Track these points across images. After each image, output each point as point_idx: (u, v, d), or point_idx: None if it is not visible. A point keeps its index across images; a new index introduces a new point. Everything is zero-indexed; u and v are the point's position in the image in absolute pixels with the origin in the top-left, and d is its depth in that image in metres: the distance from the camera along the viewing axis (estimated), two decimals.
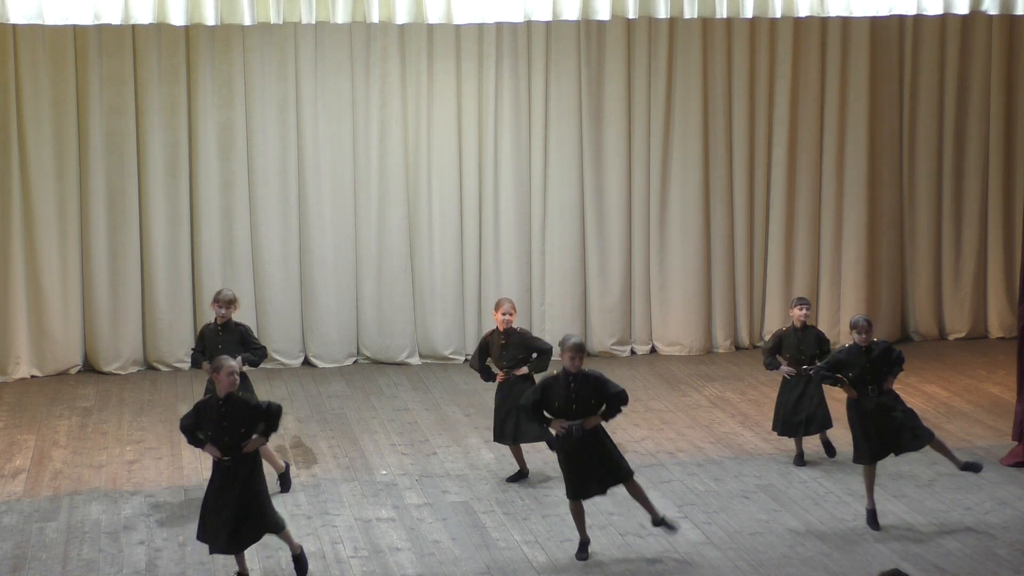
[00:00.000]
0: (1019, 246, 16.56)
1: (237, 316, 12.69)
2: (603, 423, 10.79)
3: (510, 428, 12.50)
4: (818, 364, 12.19)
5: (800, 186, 17.58)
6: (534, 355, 12.56)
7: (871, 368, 11.42)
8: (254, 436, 10.18)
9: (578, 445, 10.70)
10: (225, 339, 12.32)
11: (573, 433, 10.68)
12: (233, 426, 10.15)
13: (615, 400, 10.75)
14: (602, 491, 10.89)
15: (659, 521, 10.96)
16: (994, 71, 17.83)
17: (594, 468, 10.74)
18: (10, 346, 16.20)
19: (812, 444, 13.20)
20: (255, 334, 12.88)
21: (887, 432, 11.40)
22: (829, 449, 13.17)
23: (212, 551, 10.32)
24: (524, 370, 12.53)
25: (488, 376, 12.69)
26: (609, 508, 11.78)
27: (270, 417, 10.23)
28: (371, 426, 14.47)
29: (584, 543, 10.92)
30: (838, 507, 11.92)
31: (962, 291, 18.17)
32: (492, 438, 12.89)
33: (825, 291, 17.77)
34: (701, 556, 10.90)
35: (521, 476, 12.64)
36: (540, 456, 12.90)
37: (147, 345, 16.72)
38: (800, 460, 13.05)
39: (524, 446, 12.73)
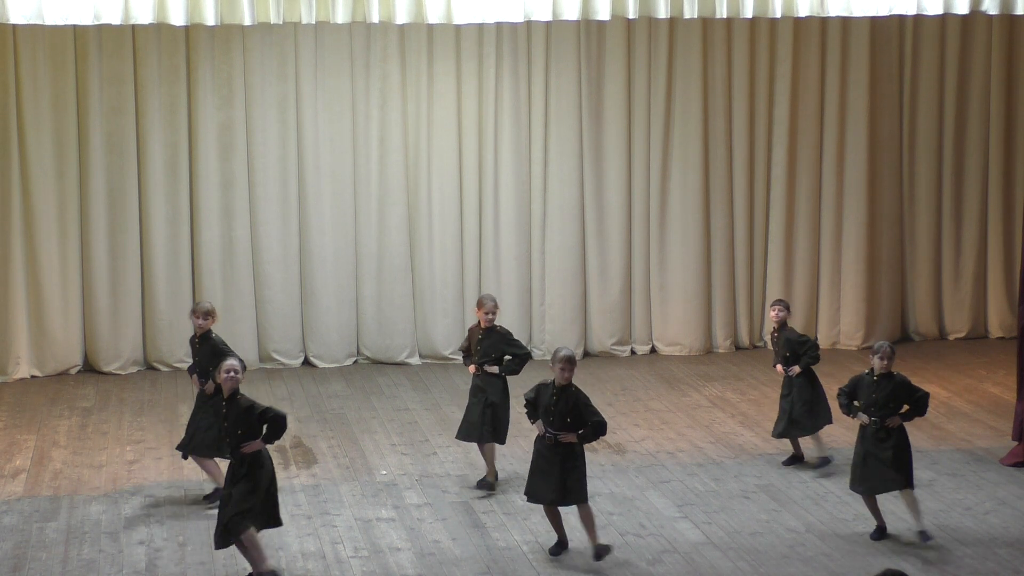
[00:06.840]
0: (1019, 246, 16.56)
1: (217, 327, 12.40)
2: (583, 443, 10.72)
3: (476, 428, 12.39)
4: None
5: (800, 186, 17.57)
6: (507, 357, 12.45)
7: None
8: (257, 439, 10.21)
9: (547, 453, 10.73)
10: (202, 351, 12.07)
11: (545, 440, 10.73)
12: (232, 427, 10.17)
13: (593, 428, 10.65)
14: (552, 504, 10.83)
15: (602, 549, 10.76)
16: (994, 71, 17.82)
17: (552, 480, 10.71)
18: (10, 346, 16.19)
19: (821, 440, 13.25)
20: (227, 345, 12.18)
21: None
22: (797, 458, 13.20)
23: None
24: (495, 369, 12.43)
25: (466, 363, 12.69)
26: (609, 508, 11.79)
27: (270, 423, 10.22)
28: (371, 426, 14.47)
29: (560, 542, 10.94)
30: (838, 507, 11.93)
31: (962, 291, 18.15)
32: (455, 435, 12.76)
33: (825, 291, 17.76)
34: (701, 556, 10.90)
35: (486, 486, 12.42)
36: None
37: (147, 345, 16.72)
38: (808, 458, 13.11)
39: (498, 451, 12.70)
